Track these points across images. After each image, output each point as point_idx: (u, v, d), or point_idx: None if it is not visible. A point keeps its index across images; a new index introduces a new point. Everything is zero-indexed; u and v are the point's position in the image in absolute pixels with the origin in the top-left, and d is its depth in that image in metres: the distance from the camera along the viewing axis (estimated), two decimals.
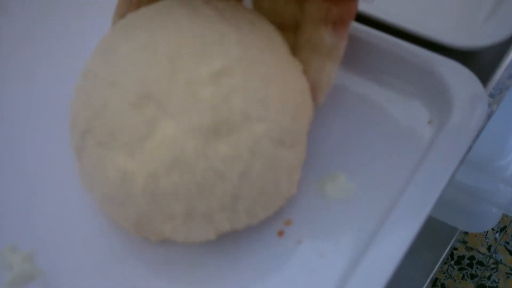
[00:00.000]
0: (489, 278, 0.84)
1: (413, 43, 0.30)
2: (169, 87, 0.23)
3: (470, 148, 0.27)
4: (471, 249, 0.86)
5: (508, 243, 0.86)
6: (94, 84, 0.25)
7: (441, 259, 0.65)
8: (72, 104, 0.26)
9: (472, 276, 0.84)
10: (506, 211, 0.53)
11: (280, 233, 0.26)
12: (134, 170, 0.23)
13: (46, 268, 0.26)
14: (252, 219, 0.25)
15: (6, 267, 0.26)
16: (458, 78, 0.28)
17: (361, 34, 0.30)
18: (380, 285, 0.23)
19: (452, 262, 0.85)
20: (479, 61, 0.32)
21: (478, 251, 0.86)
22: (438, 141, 0.27)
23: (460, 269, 0.85)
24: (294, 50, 0.26)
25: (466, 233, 0.87)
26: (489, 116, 0.30)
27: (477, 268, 0.85)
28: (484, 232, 0.87)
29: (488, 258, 0.86)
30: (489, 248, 0.86)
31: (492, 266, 0.85)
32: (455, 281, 0.84)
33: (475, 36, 0.31)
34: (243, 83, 0.23)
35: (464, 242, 0.87)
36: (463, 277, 0.84)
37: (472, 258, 0.86)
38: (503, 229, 0.88)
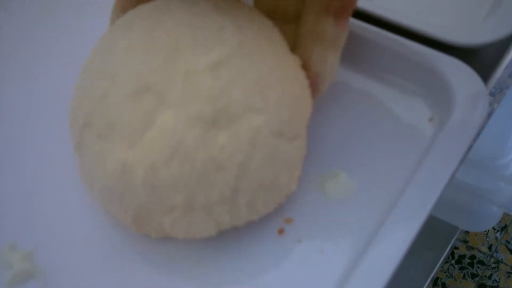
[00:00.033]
0: (490, 277, 0.84)
1: (414, 41, 0.30)
2: (168, 79, 0.23)
3: (471, 146, 0.27)
4: (472, 248, 0.86)
5: (509, 242, 0.86)
6: (93, 79, 0.25)
7: (442, 258, 0.65)
8: (71, 101, 0.27)
9: (473, 276, 0.84)
10: (507, 210, 0.53)
11: (281, 231, 0.26)
12: (133, 161, 0.23)
13: (46, 266, 0.26)
14: (252, 214, 0.25)
15: (6, 266, 0.26)
16: (459, 75, 0.28)
17: (361, 31, 0.30)
18: (380, 284, 0.23)
19: (453, 261, 0.85)
20: (479, 60, 0.32)
21: (479, 250, 0.86)
22: (439, 139, 0.27)
23: (461, 269, 0.85)
24: (296, 41, 0.26)
25: (466, 232, 0.87)
26: (489, 114, 0.30)
27: (478, 267, 0.85)
28: (485, 231, 0.87)
29: (489, 257, 0.85)
30: (490, 247, 0.86)
31: (493, 265, 0.85)
32: (456, 281, 0.84)
33: (475, 33, 0.31)
34: (242, 74, 0.23)
35: (465, 241, 0.87)
36: (464, 277, 0.84)
37: (473, 257, 0.86)
38: (504, 228, 0.88)
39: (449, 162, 0.26)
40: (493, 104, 0.31)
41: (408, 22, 0.31)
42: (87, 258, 0.26)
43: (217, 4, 0.25)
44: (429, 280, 0.64)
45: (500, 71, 0.31)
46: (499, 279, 0.84)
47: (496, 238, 0.87)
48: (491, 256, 0.85)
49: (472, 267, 0.85)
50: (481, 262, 0.85)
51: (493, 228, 0.87)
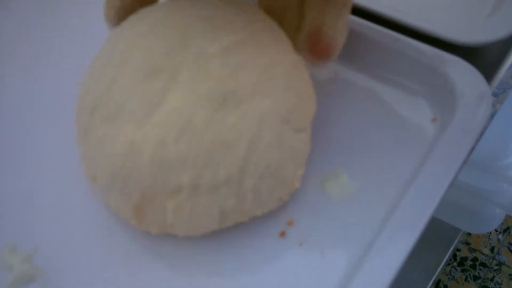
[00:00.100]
0: (492, 279, 0.84)
1: (416, 39, 0.30)
2: (178, 62, 0.24)
3: (473, 147, 0.26)
4: (474, 250, 0.86)
5: None
6: (103, 65, 0.26)
7: (444, 261, 0.65)
8: (80, 89, 0.27)
9: (475, 278, 0.84)
10: (510, 212, 0.53)
11: (282, 234, 0.26)
12: (141, 140, 0.23)
13: (46, 268, 0.26)
14: (257, 204, 0.24)
15: (6, 269, 0.26)
16: (463, 75, 0.28)
17: (363, 29, 0.30)
18: (382, 287, 0.23)
19: (455, 264, 0.85)
20: (482, 59, 0.32)
21: (481, 253, 0.86)
22: (441, 140, 0.26)
23: (463, 271, 0.85)
24: (303, 12, 0.26)
25: (469, 234, 0.87)
26: (492, 115, 0.29)
27: (480, 269, 0.85)
28: (487, 233, 0.87)
29: (491, 259, 0.85)
30: (492, 250, 0.86)
31: (495, 267, 0.85)
32: (458, 283, 0.83)
33: (479, 31, 0.31)
34: (251, 61, 0.24)
35: (467, 243, 0.87)
36: (466, 279, 0.84)
37: (475, 259, 0.85)
38: (506, 230, 0.87)
39: (452, 163, 0.26)
40: (495, 104, 0.30)
41: (411, 20, 0.31)
42: (88, 259, 0.26)
43: (225, 1, 0.26)
44: (431, 282, 0.64)
45: (503, 71, 0.31)
46: (501, 281, 0.83)
47: (499, 240, 0.87)
48: (493, 258, 0.85)
49: (474, 269, 0.85)
50: (483, 264, 0.85)
51: (496, 230, 0.87)
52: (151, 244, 0.26)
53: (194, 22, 0.25)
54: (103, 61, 0.26)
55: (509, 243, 0.86)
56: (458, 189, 0.50)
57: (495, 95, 0.31)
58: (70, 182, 0.28)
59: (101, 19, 0.28)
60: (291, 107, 0.24)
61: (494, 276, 0.84)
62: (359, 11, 0.31)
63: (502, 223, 0.85)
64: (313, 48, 0.26)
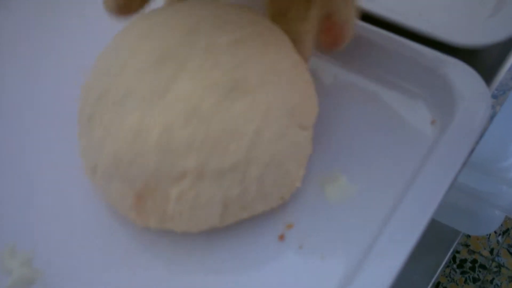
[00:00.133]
0: (491, 281, 0.84)
1: (416, 41, 0.30)
2: (188, 51, 0.24)
3: (473, 149, 0.26)
4: (473, 252, 0.86)
5: (511, 246, 0.86)
6: (112, 54, 0.26)
7: (444, 263, 0.65)
8: (86, 81, 0.27)
9: (475, 280, 0.84)
10: (509, 214, 0.53)
11: (281, 237, 0.26)
12: (149, 123, 0.23)
13: (45, 270, 0.26)
14: (260, 197, 0.24)
15: (6, 272, 0.26)
16: (462, 77, 0.28)
17: (362, 32, 0.30)
18: None
19: (455, 266, 0.85)
20: (482, 61, 0.32)
21: (481, 254, 0.86)
22: (441, 142, 0.26)
23: (463, 273, 0.84)
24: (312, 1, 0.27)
25: (468, 236, 0.87)
26: (492, 117, 0.29)
27: (480, 271, 0.84)
28: (487, 235, 0.87)
29: (490, 261, 0.85)
30: (491, 251, 0.86)
31: (495, 269, 0.85)
32: (458, 285, 0.83)
33: (478, 34, 0.31)
34: (259, 54, 0.25)
35: (467, 245, 0.87)
36: (465, 281, 0.84)
37: (474, 261, 0.85)
38: (505, 232, 0.87)
39: (451, 165, 0.26)
40: (495, 106, 0.30)
41: (410, 22, 0.31)
42: (87, 260, 0.26)
43: (227, 4, 0.27)
44: (430, 284, 0.64)
45: (502, 73, 0.31)
46: (501, 283, 0.83)
47: (498, 242, 0.87)
48: (493, 260, 0.85)
49: (474, 271, 0.85)
50: (482, 266, 0.85)
51: (495, 232, 0.87)
52: (149, 243, 0.26)
53: (203, 18, 0.25)
54: (111, 51, 0.26)
55: (509, 245, 0.86)
56: (457, 191, 0.50)
57: (494, 96, 0.31)
58: (69, 183, 0.28)
59: (101, 19, 0.28)
60: (296, 102, 0.25)
61: (493, 278, 0.84)
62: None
63: (501, 225, 0.85)
64: (326, 35, 0.26)
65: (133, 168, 0.24)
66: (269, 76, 0.24)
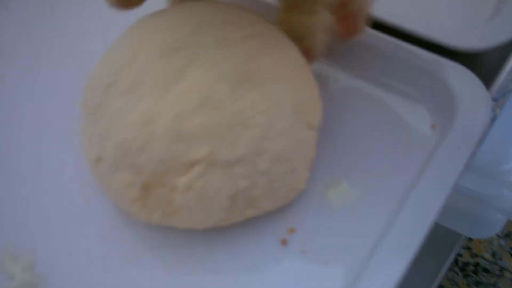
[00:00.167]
0: (494, 285, 0.83)
1: (415, 45, 0.30)
2: (201, 42, 0.24)
3: (474, 153, 0.26)
4: (475, 255, 0.86)
5: None
6: (122, 46, 0.26)
7: (446, 266, 0.65)
8: (93, 70, 0.27)
9: (477, 283, 0.83)
10: (511, 217, 0.52)
11: (283, 242, 0.26)
12: (159, 111, 0.23)
13: (48, 275, 0.26)
14: (266, 192, 0.24)
15: (8, 277, 0.26)
16: (462, 81, 0.28)
17: (362, 35, 0.30)
18: None
19: (457, 269, 0.85)
20: (482, 65, 0.32)
21: (483, 258, 0.85)
22: (441, 146, 0.26)
23: (465, 276, 0.84)
24: None
25: (470, 239, 0.86)
26: (492, 120, 0.29)
27: (482, 275, 0.84)
28: (489, 238, 0.86)
29: (493, 264, 0.85)
30: (493, 255, 0.86)
31: (497, 273, 0.84)
32: None
33: (478, 37, 0.31)
34: (269, 49, 0.25)
35: (469, 249, 0.86)
36: (468, 284, 0.83)
37: (477, 264, 0.85)
38: (507, 235, 0.87)
39: (452, 169, 0.26)
40: (495, 109, 0.30)
41: (410, 26, 0.31)
42: (89, 264, 0.26)
43: (230, 6, 0.27)
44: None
45: (503, 76, 0.31)
46: (504, 286, 0.83)
47: (500, 245, 0.86)
48: (495, 263, 0.85)
49: (476, 274, 0.84)
50: (485, 270, 0.84)
51: (497, 235, 0.87)
52: (151, 244, 0.26)
53: (214, 13, 0.26)
54: (121, 43, 0.26)
55: (511, 248, 0.86)
56: (459, 194, 0.50)
57: (495, 99, 0.31)
58: (70, 184, 0.28)
59: (101, 19, 0.28)
60: (305, 100, 0.25)
61: (496, 282, 0.83)
62: None
63: (503, 228, 0.85)
64: (341, 24, 0.26)
65: (141, 156, 0.23)
66: (279, 71, 0.25)
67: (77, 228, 0.27)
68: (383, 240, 0.24)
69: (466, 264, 0.85)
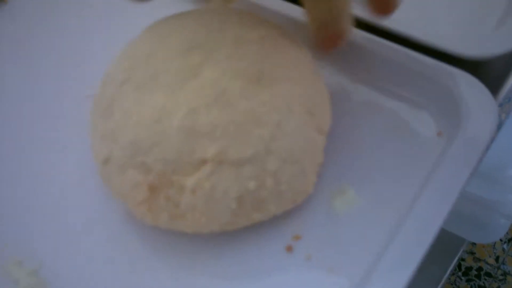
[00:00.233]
0: None
1: (421, 53, 0.30)
2: (218, 42, 0.25)
3: (480, 161, 0.26)
4: (479, 260, 0.86)
5: None
6: (140, 43, 0.26)
7: (449, 270, 0.65)
8: (107, 68, 0.27)
9: None
10: None
11: (289, 248, 0.26)
12: (173, 106, 0.23)
13: (52, 280, 0.26)
14: (274, 195, 0.24)
15: (13, 282, 0.26)
16: (468, 89, 0.28)
17: (367, 43, 0.30)
18: None
19: (460, 273, 0.84)
20: (488, 72, 0.32)
21: (486, 262, 0.85)
22: (448, 154, 0.26)
23: (468, 280, 0.84)
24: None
25: (473, 243, 0.86)
26: (498, 126, 0.29)
27: (485, 279, 0.84)
28: (492, 243, 0.86)
29: (496, 269, 0.85)
30: (497, 259, 0.85)
31: (500, 277, 0.84)
32: None
33: (484, 45, 0.31)
34: (284, 51, 0.25)
35: (472, 253, 0.86)
36: None
37: (480, 269, 0.85)
38: (511, 240, 0.87)
39: (459, 177, 0.25)
40: (501, 115, 0.30)
41: (417, 34, 0.31)
42: (93, 269, 0.26)
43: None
44: None
45: (509, 84, 0.31)
46: None
47: (503, 249, 0.86)
48: (498, 268, 0.85)
49: (479, 279, 0.84)
50: (488, 274, 0.84)
51: (500, 240, 0.87)
52: (156, 248, 0.26)
53: (231, 17, 0.26)
54: (138, 42, 0.26)
55: None
56: (463, 199, 0.50)
57: (501, 105, 0.31)
58: (73, 186, 0.28)
59: (101, 19, 0.28)
60: (316, 102, 0.25)
61: (499, 286, 0.83)
62: (363, 24, 0.31)
63: (507, 233, 0.84)
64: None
65: (152, 153, 0.23)
66: (293, 73, 0.25)
67: (82, 232, 0.27)
68: (388, 248, 0.24)
69: (469, 268, 0.85)
